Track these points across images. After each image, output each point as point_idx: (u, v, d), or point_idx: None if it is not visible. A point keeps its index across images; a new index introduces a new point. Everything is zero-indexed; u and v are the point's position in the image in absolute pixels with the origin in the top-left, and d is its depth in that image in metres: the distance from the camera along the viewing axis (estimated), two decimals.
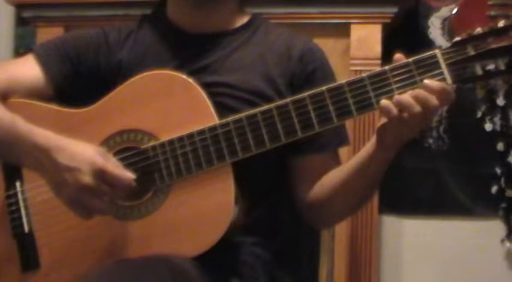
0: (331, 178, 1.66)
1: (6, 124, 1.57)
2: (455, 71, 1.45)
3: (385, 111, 1.46)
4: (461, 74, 1.45)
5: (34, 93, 1.69)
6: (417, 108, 1.43)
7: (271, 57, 1.69)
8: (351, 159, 1.63)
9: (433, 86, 1.44)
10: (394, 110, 1.45)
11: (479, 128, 2.54)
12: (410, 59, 1.47)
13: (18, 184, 1.66)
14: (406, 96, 1.45)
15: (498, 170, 2.53)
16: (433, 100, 1.44)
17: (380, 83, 1.48)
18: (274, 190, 1.69)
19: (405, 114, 1.45)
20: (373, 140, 1.56)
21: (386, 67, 1.48)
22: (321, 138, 1.63)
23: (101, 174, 1.49)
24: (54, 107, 1.67)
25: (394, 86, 1.47)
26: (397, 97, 1.45)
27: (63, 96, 1.71)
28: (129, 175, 1.52)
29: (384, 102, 1.46)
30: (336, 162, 1.71)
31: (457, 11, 2.57)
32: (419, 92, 1.44)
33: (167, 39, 1.73)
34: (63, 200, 1.52)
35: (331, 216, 1.74)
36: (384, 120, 1.49)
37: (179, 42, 1.72)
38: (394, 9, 2.40)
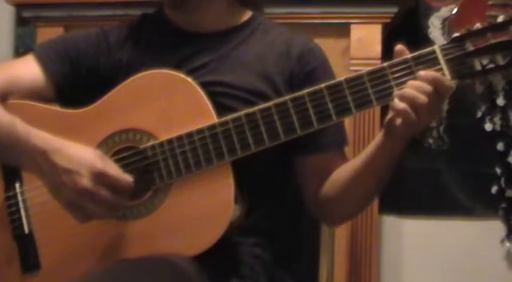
0: (339, 175, 1.66)
1: (5, 126, 1.56)
2: (455, 66, 1.45)
3: (402, 114, 1.45)
4: (460, 70, 1.45)
5: (34, 94, 1.69)
6: (423, 98, 1.42)
7: (271, 56, 1.69)
8: (358, 156, 1.63)
9: (428, 76, 1.44)
10: (412, 113, 1.44)
11: (479, 128, 2.54)
12: (409, 55, 1.47)
13: (17, 185, 1.65)
14: (408, 90, 1.44)
15: (498, 170, 2.53)
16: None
17: (379, 79, 1.47)
18: (274, 190, 1.69)
19: (413, 107, 1.44)
20: (380, 134, 1.55)
21: (385, 64, 1.48)
22: (322, 138, 1.63)
23: (100, 177, 1.48)
24: (52, 107, 1.67)
25: (393, 83, 1.46)
26: (400, 94, 1.45)
27: (63, 96, 1.71)
28: (128, 178, 1.52)
29: (401, 105, 1.45)
30: (342, 160, 1.70)
31: (457, 10, 2.57)
32: (418, 83, 1.44)
33: (166, 38, 1.73)
34: (61, 202, 1.51)
35: (341, 214, 1.73)
36: (392, 113, 1.49)
37: (178, 41, 1.72)
38: (394, 9, 2.40)
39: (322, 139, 1.65)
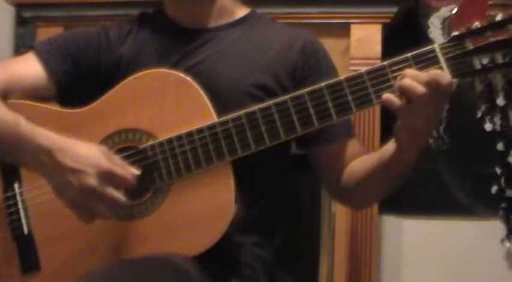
0: (357, 168, 1.67)
1: (9, 124, 1.55)
2: (454, 65, 1.45)
3: (388, 104, 1.44)
4: (460, 68, 1.45)
5: (35, 92, 1.69)
6: (420, 88, 1.41)
7: (273, 49, 1.70)
8: (374, 154, 1.64)
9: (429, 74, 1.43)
10: (397, 101, 1.44)
11: (479, 128, 2.54)
12: (409, 54, 1.47)
13: (16, 186, 1.65)
14: (405, 80, 1.43)
15: (498, 170, 2.53)
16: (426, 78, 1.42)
17: (379, 78, 1.47)
18: (273, 188, 1.69)
19: (410, 99, 1.42)
20: (392, 142, 1.55)
21: (385, 62, 1.48)
22: (330, 128, 1.62)
23: (106, 176, 1.48)
24: (52, 107, 1.67)
25: (393, 82, 1.46)
26: (397, 83, 1.44)
27: (64, 94, 1.71)
28: (134, 174, 1.52)
29: (386, 95, 1.45)
30: (357, 148, 1.72)
31: (457, 10, 2.57)
32: (414, 72, 1.43)
33: (166, 35, 1.73)
34: (66, 202, 1.51)
35: (362, 201, 1.79)
36: (398, 122, 1.49)
37: (178, 38, 1.72)
38: (394, 9, 2.40)
39: (330, 129, 1.64)
